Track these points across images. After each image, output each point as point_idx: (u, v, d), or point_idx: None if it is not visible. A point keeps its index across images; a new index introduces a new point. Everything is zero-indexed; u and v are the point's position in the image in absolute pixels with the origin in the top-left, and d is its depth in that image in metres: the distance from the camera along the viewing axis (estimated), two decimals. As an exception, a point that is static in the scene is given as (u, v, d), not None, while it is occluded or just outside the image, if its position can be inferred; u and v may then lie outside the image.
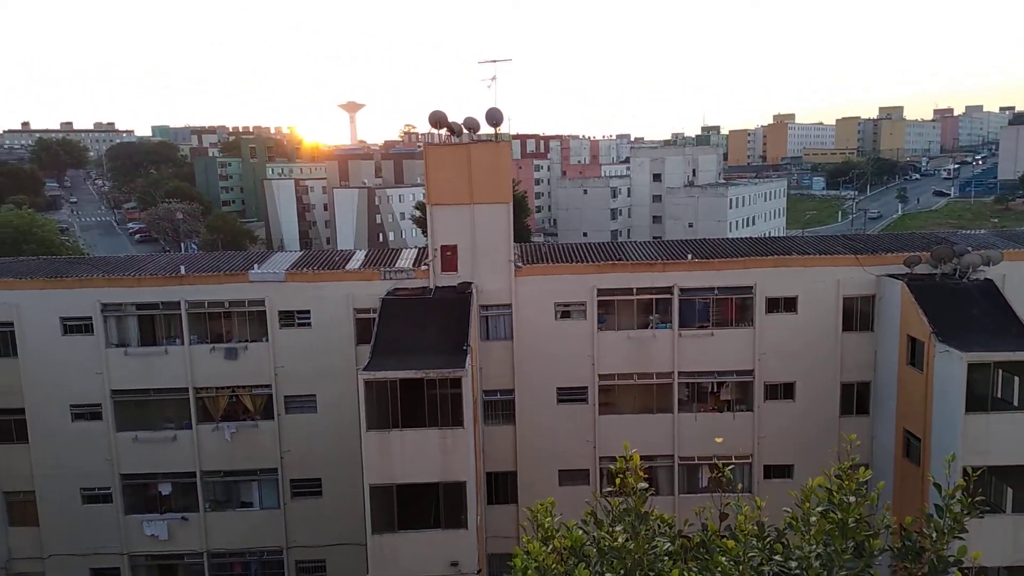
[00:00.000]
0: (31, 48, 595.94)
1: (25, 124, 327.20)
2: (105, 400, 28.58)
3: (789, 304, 29.50)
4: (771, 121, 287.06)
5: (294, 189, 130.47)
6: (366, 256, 32.30)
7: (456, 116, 28.97)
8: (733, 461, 28.94)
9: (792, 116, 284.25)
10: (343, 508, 29.02)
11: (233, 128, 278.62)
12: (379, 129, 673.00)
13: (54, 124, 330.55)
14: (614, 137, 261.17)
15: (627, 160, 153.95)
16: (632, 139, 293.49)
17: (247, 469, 29.52)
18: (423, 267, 28.98)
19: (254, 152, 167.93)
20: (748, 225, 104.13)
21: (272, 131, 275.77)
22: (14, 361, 28.29)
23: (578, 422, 29.73)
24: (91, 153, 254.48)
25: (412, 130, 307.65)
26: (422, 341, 25.44)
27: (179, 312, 28.45)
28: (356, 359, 27.73)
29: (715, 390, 30.30)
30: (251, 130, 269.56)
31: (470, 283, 28.31)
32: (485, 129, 28.75)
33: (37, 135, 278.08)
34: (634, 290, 29.42)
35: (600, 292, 29.21)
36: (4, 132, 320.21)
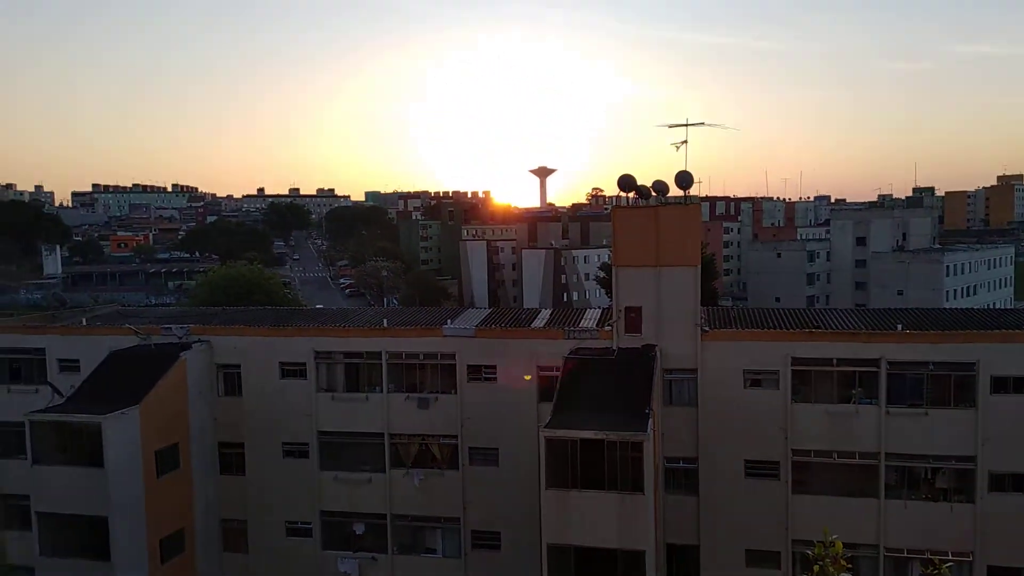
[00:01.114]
0: (266, 122, 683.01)
1: (260, 190, 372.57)
2: (312, 440, 31.10)
3: (1019, 385, 26.07)
4: (995, 182, 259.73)
5: (486, 249, 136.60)
6: (551, 315, 32.96)
7: (645, 179, 29.22)
8: (951, 558, 25.64)
9: (1020, 176, 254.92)
10: (521, 564, 29.09)
11: (435, 193, 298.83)
12: (567, 192, 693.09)
13: (284, 190, 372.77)
14: (811, 199, 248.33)
15: (826, 222, 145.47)
16: (832, 200, 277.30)
17: (432, 516, 30.61)
18: (607, 328, 29.04)
19: (452, 215, 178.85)
20: (968, 295, 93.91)
21: (469, 195, 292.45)
22: (239, 400, 31.70)
23: (769, 499, 27.88)
24: (313, 216, 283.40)
25: (599, 193, 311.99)
26: (603, 402, 25.35)
27: (380, 362, 30.54)
28: (538, 416, 28.12)
29: (929, 476, 27.20)
30: (450, 195, 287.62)
31: (654, 345, 27.93)
32: (674, 191, 28.67)
33: (270, 200, 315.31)
34: (834, 361, 27.47)
35: (795, 361, 27.58)
36: (243, 197, 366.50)
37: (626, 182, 29.06)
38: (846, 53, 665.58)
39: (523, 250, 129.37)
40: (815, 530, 27.89)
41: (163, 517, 28.56)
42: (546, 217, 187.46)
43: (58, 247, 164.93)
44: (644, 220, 28.36)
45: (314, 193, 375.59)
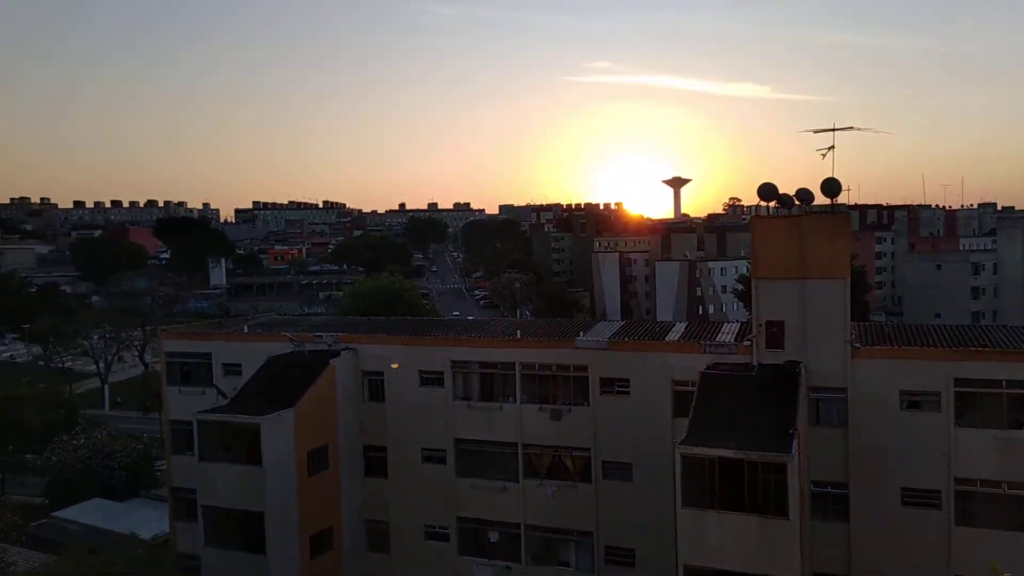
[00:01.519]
0: (408, 141, 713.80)
1: (402, 205, 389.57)
2: (449, 447, 31.99)
3: None
4: None
5: (619, 261, 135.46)
6: (686, 328, 32.18)
7: (787, 188, 28.00)
8: None
9: None
10: (655, 584, 28.53)
11: (567, 205, 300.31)
12: (703, 202, 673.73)
13: (423, 205, 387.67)
14: (974, 206, 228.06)
15: (992, 232, 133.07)
16: (999, 208, 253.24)
17: (565, 528, 30.60)
18: (746, 343, 27.99)
19: (584, 227, 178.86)
20: None
21: (601, 207, 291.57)
22: (382, 405, 33.13)
23: (928, 531, 25.76)
24: (450, 229, 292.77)
25: (737, 203, 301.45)
26: (743, 419, 24.42)
27: (513, 372, 31.00)
28: (673, 431, 27.51)
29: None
30: (582, 207, 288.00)
31: (798, 362, 26.60)
32: (820, 200, 27.26)
33: (410, 214, 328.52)
34: (1003, 383, 25.07)
35: (959, 382, 25.40)
36: (387, 212, 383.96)
37: (767, 191, 27.97)
38: (1014, 51, 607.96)
39: (656, 262, 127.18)
40: (979, 566, 25.52)
41: (313, 515, 30.30)
42: (680, 228, 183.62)
43: (223, 260, 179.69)
44: (786, 230, 27.17)
45: (451, 207, 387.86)
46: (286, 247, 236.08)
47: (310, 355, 32.65)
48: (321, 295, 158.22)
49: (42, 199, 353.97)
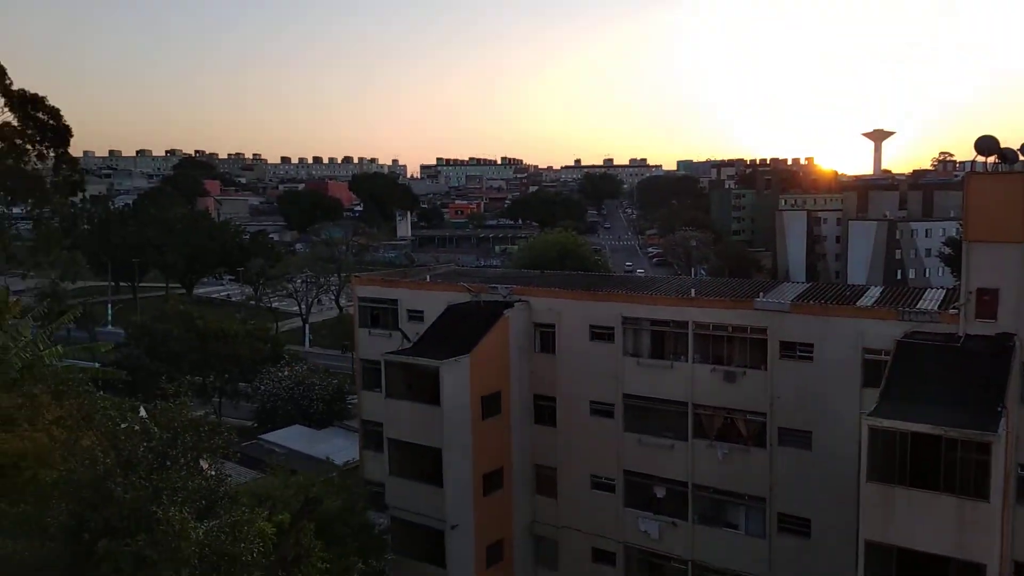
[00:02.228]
0: (584, 97, 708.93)
1: (577, 161, 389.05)
2: (617, 402, 32.13)
3: None
4: None
5: (806, 220, 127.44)
6: (881, 293, 29.83)
7: (1011, 142, 24.83)
8: None
9: None
10: (832, 556, 27.26)
11: (750, 161, 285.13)
12: (907, 157, 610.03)
13: (598, 161, 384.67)
14: None
15: None
16: None
17: (735, 492, 29.93)
18: (951, 311, 25.45)
19: (768, 183, 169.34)
20: None
21: (789, 162, 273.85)
22: (552, 357, 33.82)
23: None
24: (625, 186, 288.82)
25: (948, 158, 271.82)
26: (942, 393, 22.37)
27: (686, 331, 30.36)
28: (860, 402, 25.80)
29: None
30: (767, 162, 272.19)
31: (1012, 335, 23.81)
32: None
33: (585, 170, 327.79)
34: None
35: None
36: (562, 168, 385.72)
37: (986, 144, 24.96)
38: None
39: (850, 221, 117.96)
40: None
41: (486, 455, 31.85)
42: (880, 185, 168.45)
43: (408, 213, 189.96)
44: (1007, 188, 24.17)
45: (627, 163, 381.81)
46: (465, 202, 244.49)
47: (486, 305, 33.88)
48: (497, 248, 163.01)
49: (254, 155, 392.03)
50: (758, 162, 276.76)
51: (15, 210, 70.66)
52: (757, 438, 29.29)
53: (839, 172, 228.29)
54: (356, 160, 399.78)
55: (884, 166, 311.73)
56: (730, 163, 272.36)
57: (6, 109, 58.35)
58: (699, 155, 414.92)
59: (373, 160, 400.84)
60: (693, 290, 31.87)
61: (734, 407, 29.70)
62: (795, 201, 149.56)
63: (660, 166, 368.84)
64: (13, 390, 21.71)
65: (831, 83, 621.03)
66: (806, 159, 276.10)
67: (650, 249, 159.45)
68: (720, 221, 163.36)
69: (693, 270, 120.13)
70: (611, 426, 32.30)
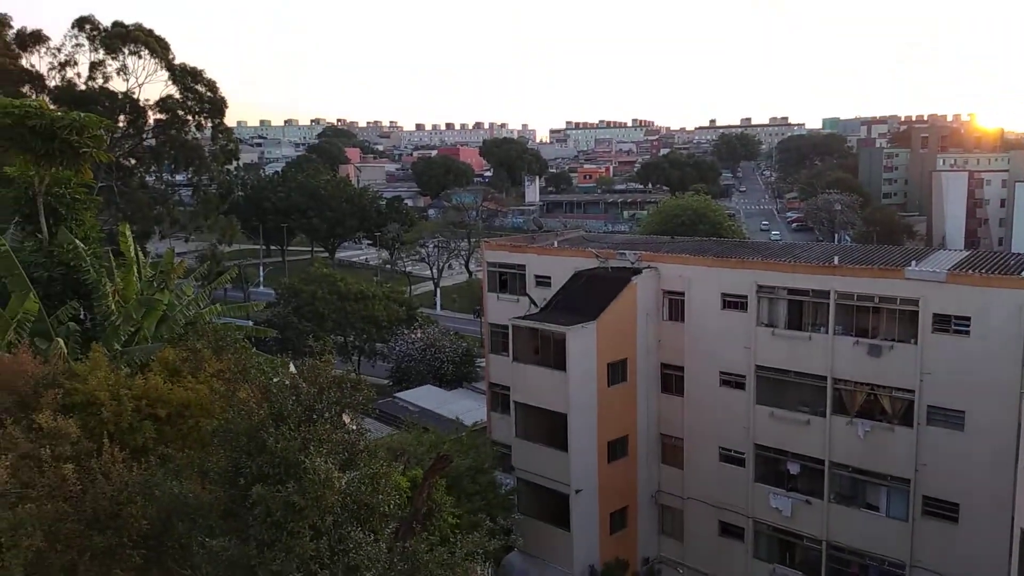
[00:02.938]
0: (718, 54, 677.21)
1: (712, 121, 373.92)
2: (749, 373, 31.05)
3: None
4: None
5: (967, 182, 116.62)
6: (1054, 263, 26.94)
7: None
8: None
9: None
10: (981, 544, 25.41)
11: (905, 117, 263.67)
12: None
13: (735, 120, 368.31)
14: None
15: None
16: None
17: (876, 472, 28.35)
18: None
19: (925, 142, 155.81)
20: None
21: (949, 119, 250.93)
22: (680, 325, 33.04)
23: None
24: (763, 146, 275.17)
25: None
26: None
27: (827, 301, 28.78)
28: (1022, 381, 23.61)
29: None
30: (924, 119, 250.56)
31: None
32: None
33: (720, 131, 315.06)
34: None
35: None
36: (695, 129, 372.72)
37: None
38: None
39: (1017, 183, 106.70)
40: None
41: (611, 422, 31.83)
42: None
43: (537, 178, 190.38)
44: None
45: (766, 122, 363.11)
46: (594, 166, 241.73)
47: (613, 272, 33.55)
48: (625, 213, 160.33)
49: (391, 122, 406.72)
50: (914, 119, 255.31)
51: (178, 177, 77.21)
52: (903, 416, 27.53)
53: (1005, 129, 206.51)
54: (487, 126, 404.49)
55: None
56: (882, 120, 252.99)
57: (169, 82, 63.61)
58: (847, 112, 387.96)
59: (503, 125, 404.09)
60: (836, 258, 30.09)
61: (878, 382, 28.01)
62: (955, 161, 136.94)
63: (803, 124, 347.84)
64: (179, 344, 23.87)
65: (992, 33, 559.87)
66: (968, 115, 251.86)
67: (789, 214, 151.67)
68: (869, 183, 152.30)
69: (837, 236, 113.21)
70: (742, 398, 31.34)
